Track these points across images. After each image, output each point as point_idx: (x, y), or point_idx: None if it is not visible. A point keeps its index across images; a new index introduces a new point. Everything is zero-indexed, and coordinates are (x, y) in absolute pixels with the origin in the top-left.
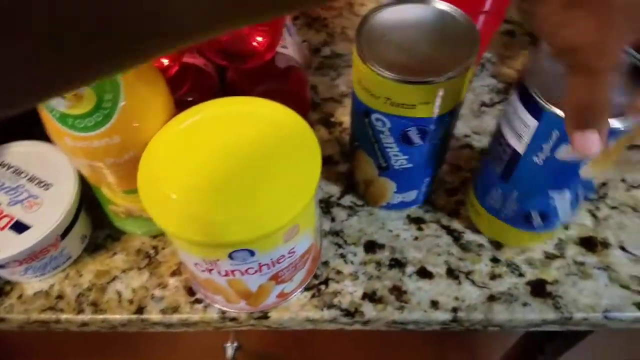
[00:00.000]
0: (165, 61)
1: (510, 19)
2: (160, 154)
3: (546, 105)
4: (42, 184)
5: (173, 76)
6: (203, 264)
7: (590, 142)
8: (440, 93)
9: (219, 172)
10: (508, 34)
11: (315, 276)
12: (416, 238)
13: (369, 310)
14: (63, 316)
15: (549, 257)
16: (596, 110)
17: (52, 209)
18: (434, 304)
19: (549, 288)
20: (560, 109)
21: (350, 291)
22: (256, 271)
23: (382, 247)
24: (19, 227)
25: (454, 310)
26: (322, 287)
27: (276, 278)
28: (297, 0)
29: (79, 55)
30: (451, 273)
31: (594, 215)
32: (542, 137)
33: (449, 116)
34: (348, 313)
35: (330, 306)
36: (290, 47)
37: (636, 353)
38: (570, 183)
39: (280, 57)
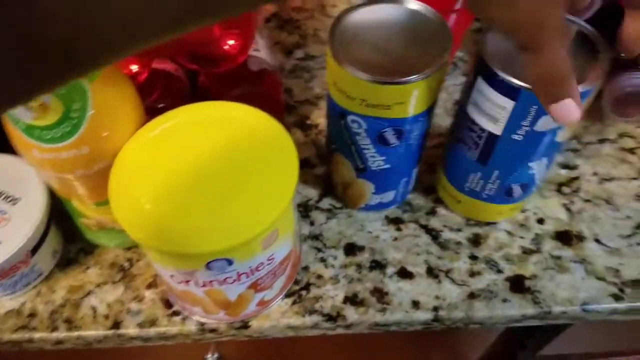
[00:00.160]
0: (135, 67)
1: None
2: (132, 163)
3: (522, 85)
4: (9, 199)
5: (143, 83)
6: (179, 275)
7: (568, 110)
8: (415, 93)
9: (193, 179)
10: (479, 31)
11: (296, 282)
12: (395, 239)
13: (351, 313)
14: (36, 335)
15: (526, 252)
16: (559, 82)
17: (20, 224)
18: (415, 304)
19: (527, 283)
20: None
21: (331, 295)
22: (235, 280)
23: (362, 249)
24: None
25: (435, 309)
26: (303, 292)
27: (256, 286)
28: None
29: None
30: (431, 272)
31: (568, 209)
32: (521, 115)
33: (424, 116)
34: (330, 318)
35: (312, 312)
36: (262, 50)
37: (614, 344)
38: (549, 151)
39: (252, 60)
